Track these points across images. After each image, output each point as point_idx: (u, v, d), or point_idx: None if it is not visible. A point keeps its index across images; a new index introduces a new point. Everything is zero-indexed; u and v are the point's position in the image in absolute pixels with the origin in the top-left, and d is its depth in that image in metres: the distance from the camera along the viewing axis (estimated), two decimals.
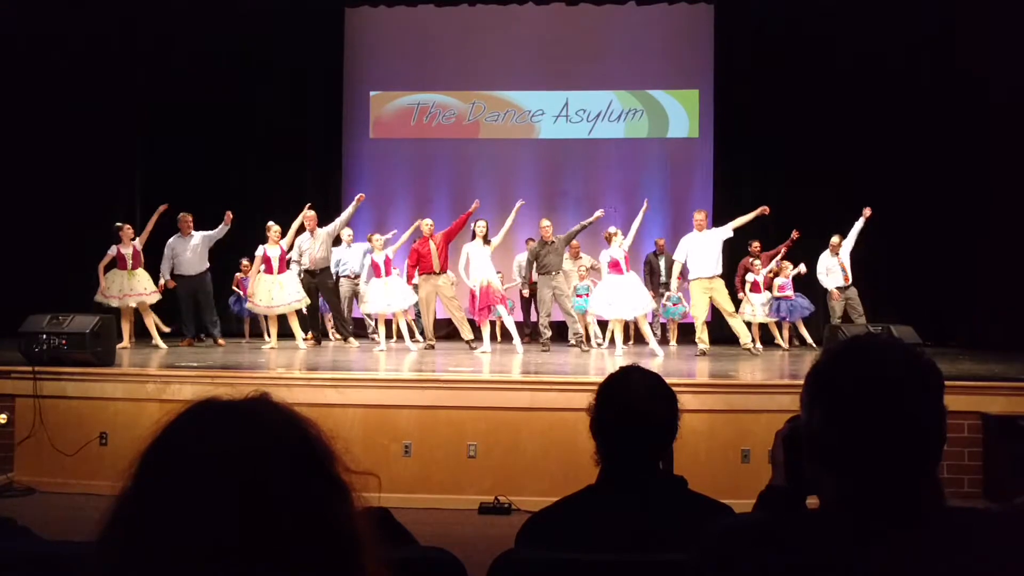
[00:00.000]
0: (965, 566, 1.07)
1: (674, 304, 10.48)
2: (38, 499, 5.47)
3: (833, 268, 9.86)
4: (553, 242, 9.46)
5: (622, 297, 8.62)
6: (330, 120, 12.07)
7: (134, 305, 8.76)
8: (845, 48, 10.78)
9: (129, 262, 8.72)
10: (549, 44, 11.99)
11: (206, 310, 9.43)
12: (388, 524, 1.67)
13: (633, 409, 1.86)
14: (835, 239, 9.82)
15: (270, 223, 9.04)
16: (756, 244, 10.37)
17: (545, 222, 9.63)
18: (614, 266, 8.73)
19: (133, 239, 8.86)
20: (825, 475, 1.16)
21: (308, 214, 9.34)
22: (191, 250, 9.29)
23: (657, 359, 8.14)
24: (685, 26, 11.98)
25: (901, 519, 1.09)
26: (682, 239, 9.01)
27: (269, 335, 9.24)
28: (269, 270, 8.85)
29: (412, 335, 9.74)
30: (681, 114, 12.17)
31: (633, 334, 10.24)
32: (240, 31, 11.21)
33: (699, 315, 8.81)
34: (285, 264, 8.93)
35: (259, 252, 8.91)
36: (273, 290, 8.79)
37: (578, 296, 9.95)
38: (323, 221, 9.67)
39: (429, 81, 12.22)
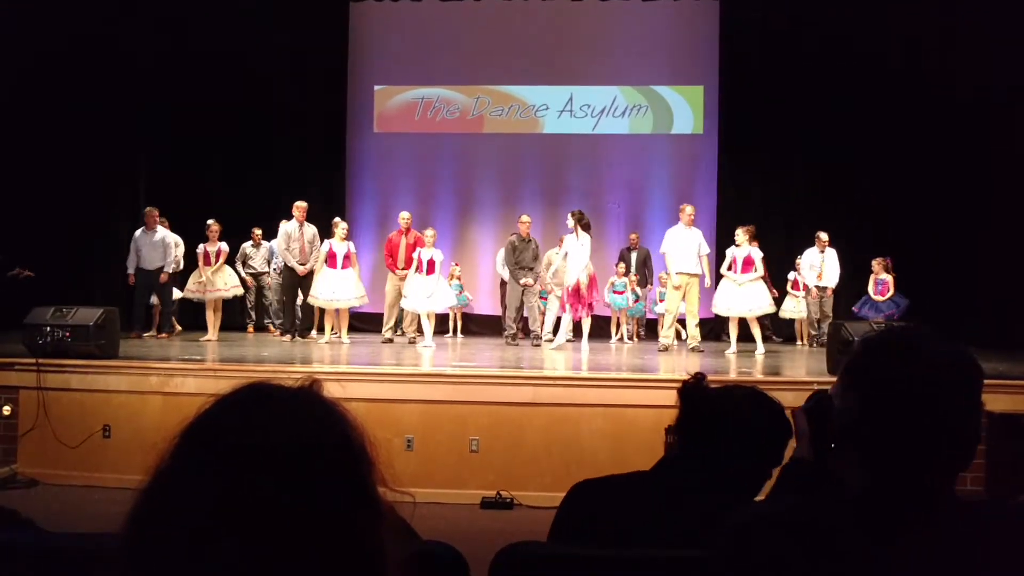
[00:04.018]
0: (985, 559, 1.08)
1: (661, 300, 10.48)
2: (41, 491, 5.49)
3: (816, 265, 9.80)
4: (530, 240, 9.43)
5: (742, 294, 8.52)
6: (334, 114, 12.05)
7: (213, 299, 9.41)
8: (849, 44, 10.74)
9: (213, 259, 9.48)
10: (553, 39, 11.95)
11: (164, 304, 9.53)
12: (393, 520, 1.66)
13: (737, 429, 1.75)
14: (824, 235, 9.78)
15: (337, 219, 9.19)
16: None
17: (525, 217, 9.59)
18: (745, 263, 8.60)
19: (220, 239, 9.54)
20: (852, 463, 1.15)
21: (299, 205, 9.26)
22: (151, 246, 9.37)
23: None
24: (690, 21, 11.94)
25: (926, 511, 1.10)
26: (668, 232, 8.92)
27: (333, 330, 9.15)
28: (333, 265, 8.87)
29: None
30: (686, 110, 12.13)
31: (637, 330, 10.25)
32: (242, 26, 11.16)
33: (672, 310, 8.77)
34: (348, 261, 8.94)
35: (324, 247, 8.96)
36: (335, 284, 8.81)
37: (616, 293, 10.09)
38: (326, 216, 9.72)
39: (433, 75, 12.19)
